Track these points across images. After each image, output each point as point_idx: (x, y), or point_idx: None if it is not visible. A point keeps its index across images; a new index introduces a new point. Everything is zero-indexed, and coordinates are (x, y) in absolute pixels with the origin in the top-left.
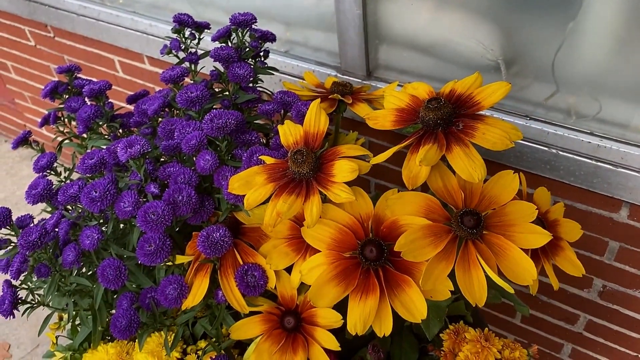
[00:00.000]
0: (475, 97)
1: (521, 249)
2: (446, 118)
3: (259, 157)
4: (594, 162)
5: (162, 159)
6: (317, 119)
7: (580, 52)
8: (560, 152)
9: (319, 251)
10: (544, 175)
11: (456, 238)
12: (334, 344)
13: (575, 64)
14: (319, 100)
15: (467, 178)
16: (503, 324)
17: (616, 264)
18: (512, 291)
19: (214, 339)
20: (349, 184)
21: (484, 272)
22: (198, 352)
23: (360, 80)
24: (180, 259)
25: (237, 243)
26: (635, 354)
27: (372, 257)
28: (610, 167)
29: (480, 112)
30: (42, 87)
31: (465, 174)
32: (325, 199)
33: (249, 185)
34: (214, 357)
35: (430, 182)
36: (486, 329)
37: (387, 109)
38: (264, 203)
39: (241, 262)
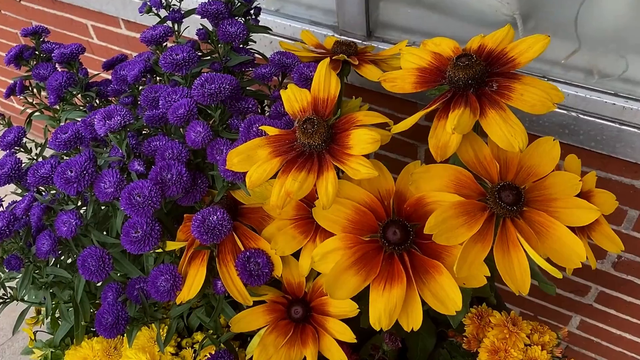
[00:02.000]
0: (509, 53)
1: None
2: (478, 77)
3: (259, 128)
4: (617, 125)
5: (144, 132)
6: (327, 81)
7: (607, 4)
8: (581, 115)
9: (332, 233)
10: (562, 140)
11: (493, 216)
12: (348, 336)
13: (601, 18)
14: (328, 59)
15: (505, 147)
16: (508, 296)
17: (634, 234)
18: (560, 276)
19: (212, 331)
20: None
21: (526, 254)
22: (194, 346)
23: (360, 41)
24: (171, 246)
25: (237, 226)
26: None
27: (396, 240)
28: (636, 130)
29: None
30: None
31: (503, 142)
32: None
33: (251, 160)
34: (212, 353)
35: (460, 152)
36: (512, 312)
37: (406, 69)
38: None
39: (242, 248)
